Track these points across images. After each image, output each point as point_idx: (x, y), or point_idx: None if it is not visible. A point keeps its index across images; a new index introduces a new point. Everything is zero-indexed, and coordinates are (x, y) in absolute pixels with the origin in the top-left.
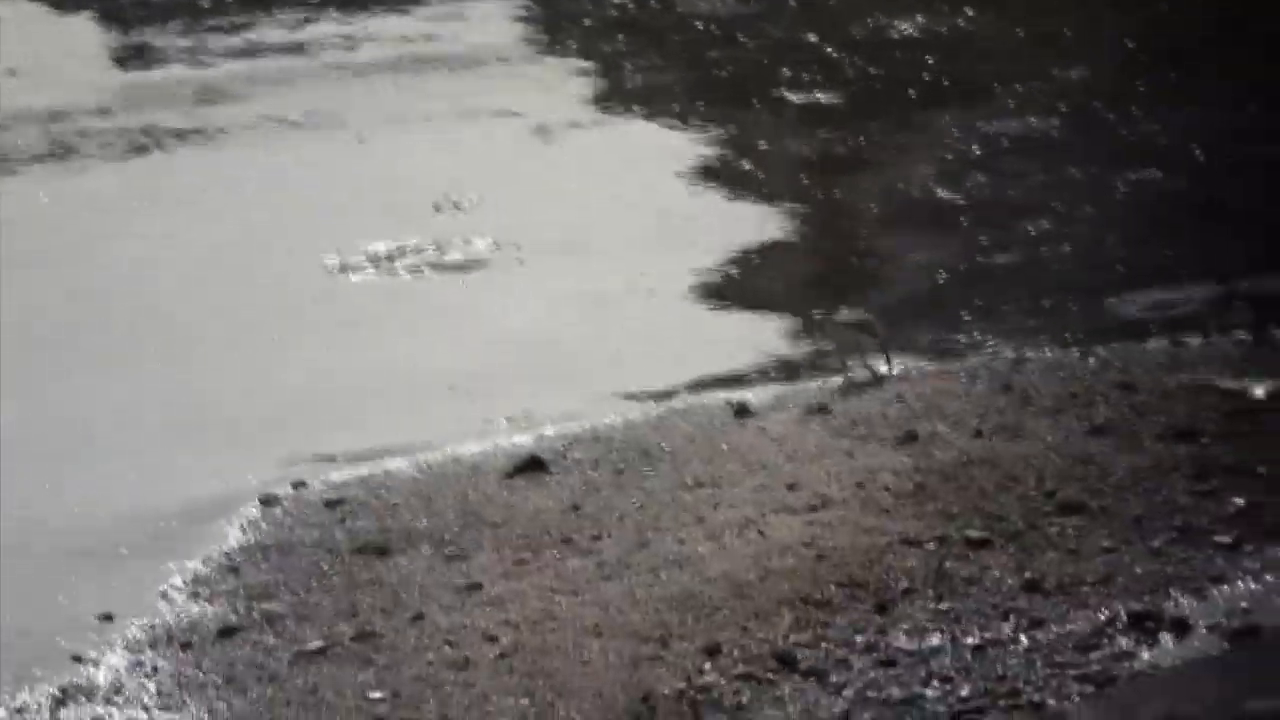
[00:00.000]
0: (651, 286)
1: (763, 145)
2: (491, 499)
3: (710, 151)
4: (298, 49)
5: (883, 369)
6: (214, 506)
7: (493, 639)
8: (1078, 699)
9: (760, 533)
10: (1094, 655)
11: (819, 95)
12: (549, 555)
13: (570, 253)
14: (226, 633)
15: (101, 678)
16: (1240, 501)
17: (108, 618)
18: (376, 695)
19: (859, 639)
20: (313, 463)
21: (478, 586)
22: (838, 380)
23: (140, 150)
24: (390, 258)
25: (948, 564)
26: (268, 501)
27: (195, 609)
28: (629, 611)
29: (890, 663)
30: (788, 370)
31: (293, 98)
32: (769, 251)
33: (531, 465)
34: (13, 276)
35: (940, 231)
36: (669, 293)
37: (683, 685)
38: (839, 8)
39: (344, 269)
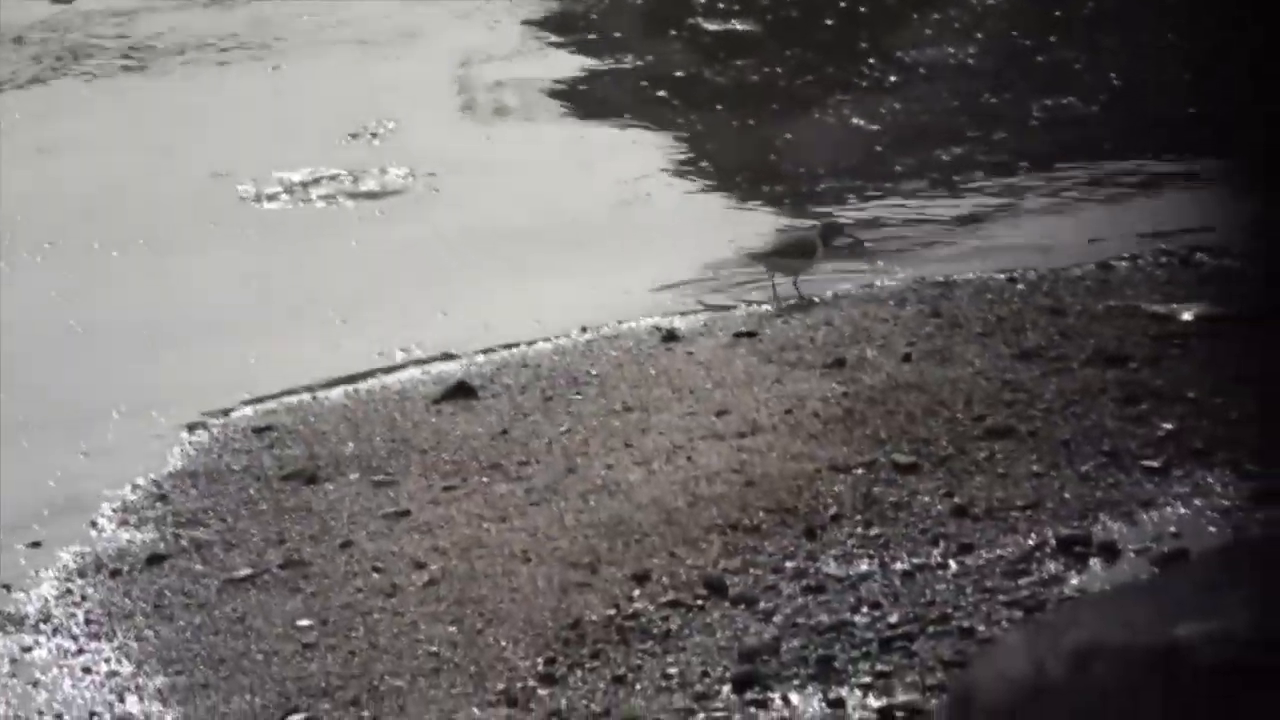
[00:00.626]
0: (570, 214)
1: (678, 74)
2: (420, 425)
3: (628, 82)
4: None
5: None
6: (139, 433)
7: (421, 566)
8: (1007, 624)
9: (689, 459)
10: (1023, 580)
11: (735, 23)
12: (477, 481)
13: (487, 180)
14: (155, 560)
15: (30, 606)
16: (1169, 426)
17: (36, 544)
18: (305, 623)
19: (788, 565)
20: (235, 391)
21: (406, 513)
22: (766, 306)
23: (59, 74)
24: (305, 185)
25: (876, 489)
26: (194, 428)
27: (124, 536)
28: (558, 538)
29: (819, 589)
30: (715, 294)
31: (212, 23)
32: (686, 176)
33: (460, 391)
34: None
35: (854, 156)
36: (587, 222)
37: (611, 612)
38: None
39: (258, 197)
